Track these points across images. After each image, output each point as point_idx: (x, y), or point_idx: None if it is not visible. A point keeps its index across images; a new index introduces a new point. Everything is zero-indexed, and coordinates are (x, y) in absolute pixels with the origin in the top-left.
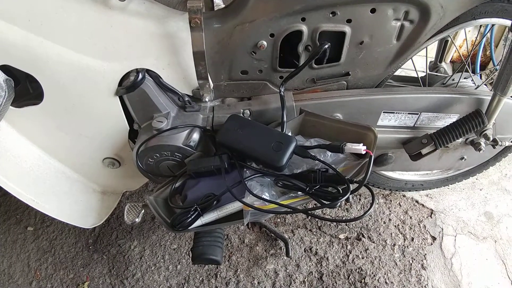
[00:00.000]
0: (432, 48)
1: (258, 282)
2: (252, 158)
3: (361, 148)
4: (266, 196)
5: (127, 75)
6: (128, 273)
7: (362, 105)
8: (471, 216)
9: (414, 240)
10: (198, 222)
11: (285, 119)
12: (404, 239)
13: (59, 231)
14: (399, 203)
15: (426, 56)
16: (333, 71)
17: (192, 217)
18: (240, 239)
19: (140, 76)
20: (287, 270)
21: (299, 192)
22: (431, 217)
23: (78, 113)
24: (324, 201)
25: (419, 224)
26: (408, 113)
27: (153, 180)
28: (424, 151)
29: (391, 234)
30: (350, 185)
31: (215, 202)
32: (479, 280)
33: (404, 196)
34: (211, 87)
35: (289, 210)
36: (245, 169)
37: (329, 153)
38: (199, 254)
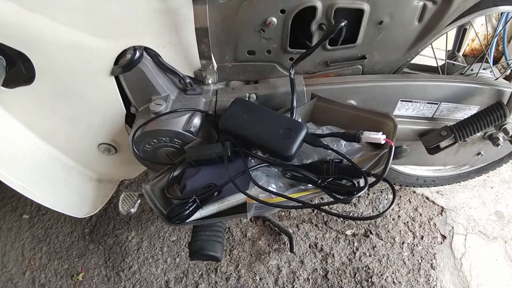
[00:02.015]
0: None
1: (260, 278)
2: (258, 146)
3: (380, 137)
4: (272, 188)
5: (123, 53)
6: (125, 265)
7: (378, 92)
8: (482, 215)
9: (423, 239)
10: (197, 215)
11: (294, 104)
12: (414, 237)
13: (54, 220)
14: (409, 199)
15: (446, 43)
16: (348, 54)
17: (191, 209)
18: (242, 232)
19: (138, 54)
20: (291, 267)
21: (309, 185)
22: (442, 215)
23: (72, 95)
24: (338, 196)
25: (429, 222)
26: (427, 103)
27: (151, 168)
28: (442, 144)
29: (400, 231)
30: (367, 178)
31: (216, 193)
32: (489, 282)
33: (414, 192)
34: (215, 68)
35: (298, 204)
36: (250, 158)
37: (343, 143)
38: (197, 249)
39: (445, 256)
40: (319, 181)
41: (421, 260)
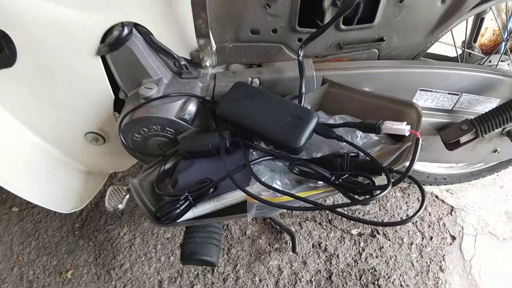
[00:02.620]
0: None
1: (259, 280)
2: (261, 136)
3: (404, 128)
4: (277, 185)
5: (110, 31)
6: (116, 263)
7: (396, 79)
8: (492, 215)
9: (432, 239)
10: (190, 214)
11: (303, 90)
12: (422, 238)
13: (44, 213)
14: (418, 197)
15: (466, 30)
16: (364, 35)
17: (182, 207)
18: (242, 230)
19: (126, 31)
20: (293, 268)
21: (320, 182)
22: (451, 215)
23: (55, 77)
24: (355, 195)
25: (438, 222)
26: (448, 93)
27: (142, 160)
28: (463, 139)
29: (409, 231)
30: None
31: (211, 190)
32: (498, 285)
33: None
34: (213, 49)
35: (308, 205)
36: (251, 150)
37: (359, 134)
38: (189, 253)
39: (454, 258)
40: (333, 178)
41: (430, 262)
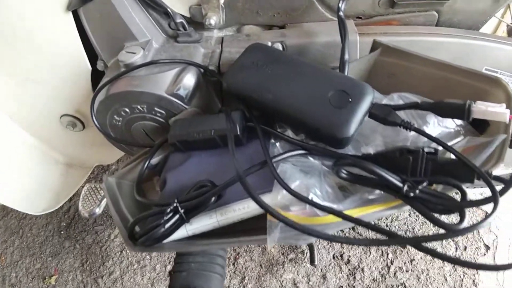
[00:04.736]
0: None
1: None
2: (288, 119)
3: (505, 112)
4: (316, 196)
5: None
6: (104, 270)
7: (461, 53)
8: None
9: (466, 250)
10: (181, 232)
11: (347, 56)
12: (456, 248)
13: None
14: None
15: None
16: None
17: (169, 223)
18: None
19: None
20: (310, 282)
21: (378, 191)
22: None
23: (20, 43)
24: (435, 217)
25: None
26: None
27: (126, 151)
28: None
29: (442, 241)
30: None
31: (214, 198)
32: None
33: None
34: (221, 2)
35: (384, 239)
36: (273, 140)
37: (430, 121)
38: (180, 286)
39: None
40: (406, 188)
41: (464, 276)
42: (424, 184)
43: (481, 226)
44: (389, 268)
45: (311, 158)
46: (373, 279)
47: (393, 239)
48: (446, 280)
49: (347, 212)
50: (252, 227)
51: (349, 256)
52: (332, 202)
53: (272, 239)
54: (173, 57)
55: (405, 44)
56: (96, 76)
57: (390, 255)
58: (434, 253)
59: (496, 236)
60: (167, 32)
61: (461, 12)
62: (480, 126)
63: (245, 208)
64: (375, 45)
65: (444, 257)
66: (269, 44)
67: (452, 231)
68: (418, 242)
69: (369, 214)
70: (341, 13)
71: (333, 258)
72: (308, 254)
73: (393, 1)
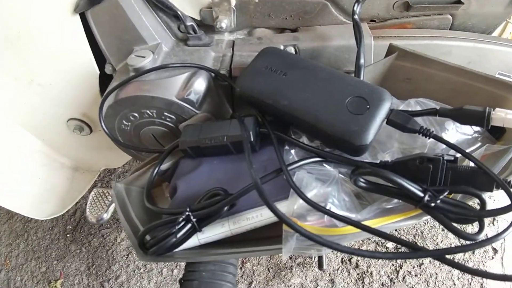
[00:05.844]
0: None
1: None
2: (303, 126)
3: None
4: (334, 205)
5: None
6: (111, 274)
7: (474, 57)
8: None
9: (475, 253)
10: (193, 241)
11: (362, 60)
12: (464, 252)
13: None
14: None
15: None
16: None
17: (181, 232)
18: None
19: None
20: (318, 287)
21: (396, 200)
22: (494, 225)
23: (25, 46)
24: (457, 226)
25: None
26: None
27: (134, 156)
28: None
29: (451, 244)
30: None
31: (226, 207)
32: None
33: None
34: (232, 5)
35: (408, 252)
36: (287, 147)
37: (449, 128)
38: None
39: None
40: (427, 198)
41: (472, 280)
42: (445, 193)
43: (505, 235)
44: (398, 272)
45: (326, 166)
46: (382, 283)
47: (417, 252)
48: (454, 284)
49: (366, 223)
50: (264, 236)
51: (358, 261)
52: (349, 212)
53: (288, 249)
54: (183, 61)
55: (420, 47)
56: (104, 79)
57: (399, 260)
58: (461, 267)
59: (504, 240)
60: (177, 35)
61: (475, 16)
62: (496, 132)
63: (259, 217)
64: (392, 49)
65: (471, 271)
66: (282, 47)
67: (477, 242)
68: (442, 255)
69: (388, 224)
70: (356, 16)
71: (342, 262)
72: (316, 259)
73: (408, 4)
